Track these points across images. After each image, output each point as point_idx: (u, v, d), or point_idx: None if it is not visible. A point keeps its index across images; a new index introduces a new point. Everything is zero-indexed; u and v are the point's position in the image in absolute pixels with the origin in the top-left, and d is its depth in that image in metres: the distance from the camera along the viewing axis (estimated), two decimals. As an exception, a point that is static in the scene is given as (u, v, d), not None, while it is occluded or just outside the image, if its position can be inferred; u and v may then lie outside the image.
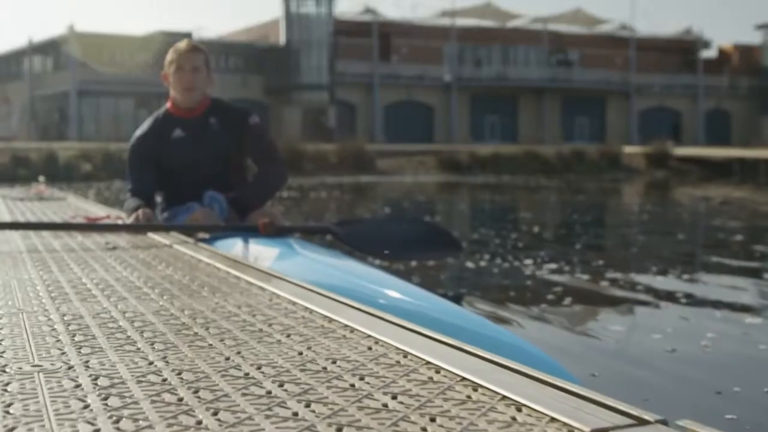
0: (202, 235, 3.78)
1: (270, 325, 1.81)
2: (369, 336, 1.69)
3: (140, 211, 3.80)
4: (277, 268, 2.94)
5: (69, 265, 2.77)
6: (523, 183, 24.28)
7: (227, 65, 47.36)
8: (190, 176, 4.01)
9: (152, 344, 1.62)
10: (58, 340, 1.65)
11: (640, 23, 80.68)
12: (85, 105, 46.10)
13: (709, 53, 60.67)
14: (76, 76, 44.94)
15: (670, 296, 5.13)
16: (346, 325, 1.79)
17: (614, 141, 43.53)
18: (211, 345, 1.61)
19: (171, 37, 48.03)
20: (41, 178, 10.23)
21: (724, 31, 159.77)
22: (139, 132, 4.11)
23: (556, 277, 5.60)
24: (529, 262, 6.06)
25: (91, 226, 3.76)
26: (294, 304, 2.05)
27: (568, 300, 4.86)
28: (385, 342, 1.64)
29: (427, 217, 11.62)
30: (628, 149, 37.33)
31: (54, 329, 1.76)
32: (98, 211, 5.38)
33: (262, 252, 3.37)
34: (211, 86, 4.07)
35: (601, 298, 5.05)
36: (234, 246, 3.59)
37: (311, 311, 1.96)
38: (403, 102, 52.76)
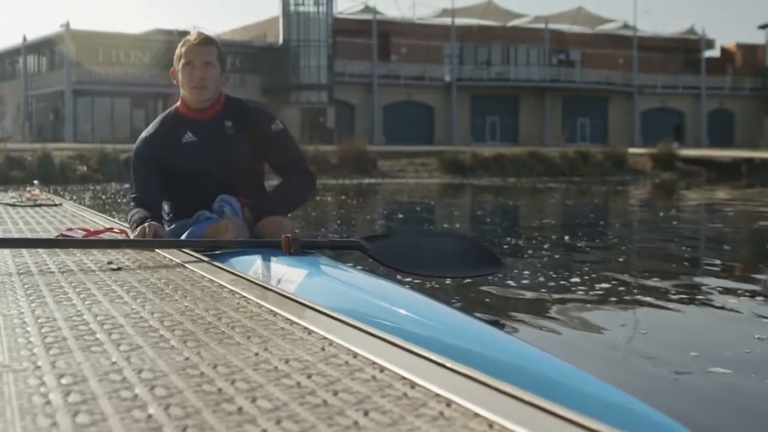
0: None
1: (335, 393, 1.36)
2: (477, 415, 1.24)
3: (147, 225, 3.36)
4: (305, 294, 2.51)
5: (67, 294, 2.31)
6: (531, 185, 23.84)
7: (225, 65, 46.80)
8: (200, 185, 3.58)
9: (184, 431, 1.17)
10: (54, 423, 1.20)
11: (643, 23, 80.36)
12: (80, 105, 45.64)
13: (712, 53, 60.40)
14: (72, 76, 44.47)
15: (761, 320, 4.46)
16: (437, 395, 1.34)
17: (616, 142, 43.20)
18: (265, 432, 1.17)
19: (168, 36, 47.62)
20: (36, 182, 9.82)
21: (726, 30, 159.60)
22: (144, 134, 3.66)
23: (613, 297, 5.00)
24: (576, 280, 5.52)
25: (91, 243, 3.31)
26: (356, 356, 1.60)
27: (642, 328, 4.21)
28: (501, 426, 1.19)
29: (444, 224, 11.16)
30: (633, 150, 36.96)
31: (48, 401, 1.31)
32: (98, 221, 4.94)
33: (287, 273, 2.93)
34: (225, 83, 3.62)
35: (676, 320, 4.43)
36: (253, 265, 3.15)
37: (382, 369, 1.50)
38: (403, 102, 52.41)
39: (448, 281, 4.71)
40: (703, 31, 59.48)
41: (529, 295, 4.96)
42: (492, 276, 4.46)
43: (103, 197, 17.80)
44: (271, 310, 2.06)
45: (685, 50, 59.47)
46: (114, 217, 6.91)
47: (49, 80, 47.26)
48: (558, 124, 54.73)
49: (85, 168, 26.44)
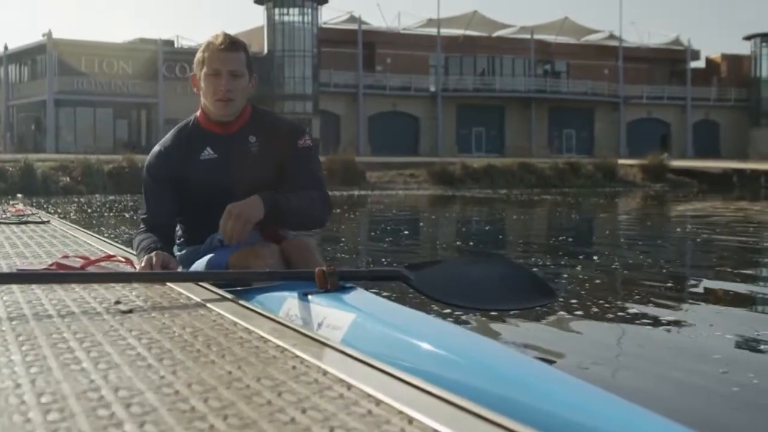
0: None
1: None
2: None
3: (153, 255, 2.90)
4: (358, 345, 2.08)
5: (73, 352, 1.84)
6: (525, 198, 23.46)
7: (209, 75, 46.28)
8: (218, 207, 3.12)
9: None
10: None
11: (628, 33, 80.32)
12: (62, 115, 45.00)
13: (698, 64, 60.50)
14: (53, 85, 43.85)
15: None
16: None
17: (603, 152, 43.09)
18: None
19: (151, 45, 47.23)
20: (19, 196, 9.34)
21: (712, 41, 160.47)
22: (158, 147, 3.20)
23: (677, 322, 4.55)
24: (634, 309, 5.08)
25: (95, 277, 2.83)
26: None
27: (722, 360, 3.73)
28: None
29: (457, 241, 10.69)
30: (623, 161, 36.77)
31: None
32: (93, 244, 4.46)
33: (328, 316, 2.48)
34: (253, 91, 3.17)
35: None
36: (284, 304, 2.70)
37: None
38: (388, 113, 52.14)
39: (492, 312, 4.27)
40: (689, 41, 59.51)
41: (580, 324, 4.53)
42: (544, 307, 4.02)
43: (89, 210, 17.23)
44: (345, 382, 1.59)
45: (670, 61, 59.49)
46: (103, 234, 6.45)
47: (31, 90, 46.61)
48: (544, 135, 54.55)
49: (68, 179, 25.87)
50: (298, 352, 1.82)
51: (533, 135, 53.80)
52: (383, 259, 8.44)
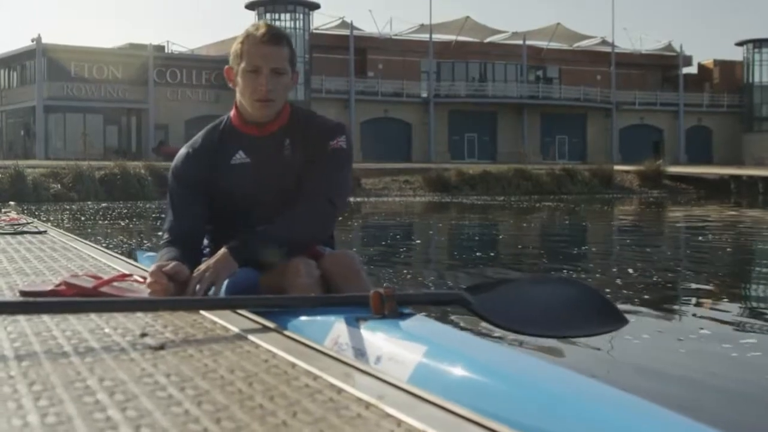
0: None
1: None
2: None
3: (156, 266, 2.53)
4: (430, 385, 1.71)
5: (105, 410, 1.46)
6: (527, 204, 23.13)
7: (199, 80, 46.02)
8: (249, 215, 2.77)
9: None
10: None
11: (621, 39, 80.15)
12: (51, 121, 44.54)
13: (690, 69, 60.54)
14: (43, 91, 43.41)
15: None
16: None
17: (595, 159, 42.92)
18: None
19: (142, 50, 46.83)
20: (12, 204, 8.98)
21: (704, 47, 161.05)
22: (186, 149, 2.83)
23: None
24: (700, 327, 4.77)
25: (117, 305, 2.43)
26: None
27: None
28: None
29: (476, 252, 10.30)
30: (619, 168, 36.57)
31: None
32: (99, 258, 4.06)
33: (387, 348, 2.12)
34: (294, 86, 2.80)
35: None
36: (331, 332, 2.32)
37: None
38: (380, 119, 51.87)
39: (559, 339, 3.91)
40: (681, 47, 59.42)
41: (648, 347, 4.20)
42: (612, 333, 3.67)
43: (82, 218, 16.82)
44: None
45: (663, 66, 59.43)
46: (101, 243, 6.04)
47: (20, 95, 46.15)
48: (536, 141, 54.39)
49: (59, 186, 25.45)
50: (389, 409, 1.45)
51: (526, 141, 53.59)
52: (406, 272, 8.09)
